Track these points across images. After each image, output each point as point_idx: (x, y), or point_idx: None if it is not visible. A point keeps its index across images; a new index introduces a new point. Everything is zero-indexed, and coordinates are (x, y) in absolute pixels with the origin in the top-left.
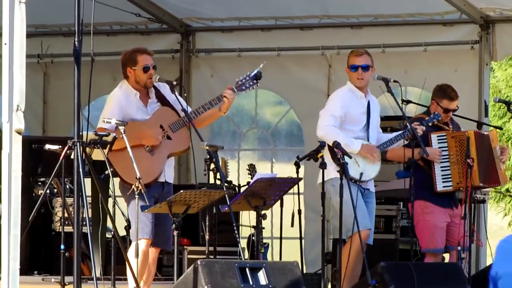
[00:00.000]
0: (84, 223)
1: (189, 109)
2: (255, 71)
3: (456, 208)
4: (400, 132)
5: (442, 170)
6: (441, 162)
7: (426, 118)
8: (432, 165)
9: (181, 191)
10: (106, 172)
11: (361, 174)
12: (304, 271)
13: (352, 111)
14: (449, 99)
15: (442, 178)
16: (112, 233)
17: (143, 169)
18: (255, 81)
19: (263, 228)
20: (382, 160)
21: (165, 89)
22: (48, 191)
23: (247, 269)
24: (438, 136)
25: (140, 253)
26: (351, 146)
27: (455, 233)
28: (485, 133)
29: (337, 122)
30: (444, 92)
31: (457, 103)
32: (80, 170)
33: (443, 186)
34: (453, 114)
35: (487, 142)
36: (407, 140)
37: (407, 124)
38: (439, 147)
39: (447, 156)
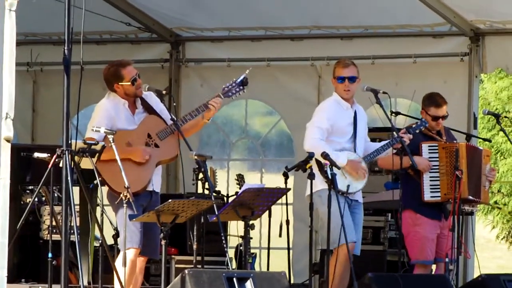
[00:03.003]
0: (72, 231)
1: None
2: (242, 77)
3: (445, 219)
4: (387, 141)
5: (431, 180)
6: (431, 172)
7: (413, 126)
8: (421, 175)
9: (170, 200)
10: (95, 181)
11: (348, 186)
12: (292, 282)
13: (338, 123)
14: (436, 106)
15: (431, 188)
16: (100, 241)
17: (132, 177)
18: (241, 87)
19: (251, 238)
20: (371, 170)
21: (151, 98)
22: (36, 199)
23: (234, 279)
24: (429, 146)
25: (128, 262)
26: (337, 160)
27: (444, 245)
28: (480, 148)
29: (324, 134)
30: (430, 100)
31: (446, 109)
32: (69, 178)
33: (431, 196)
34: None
35: (478, 156)
36: (395, 150)
37: (394, 133)
38: (429, 157)
39: (437, 167)
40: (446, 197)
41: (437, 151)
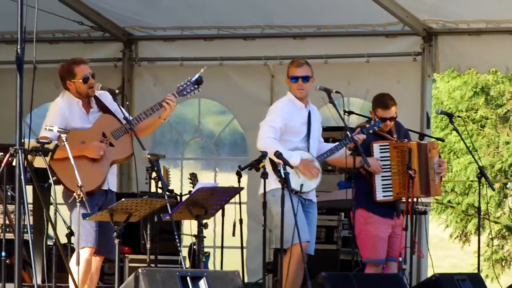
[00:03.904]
0: (25, 230)
1: (130, 118)
2: (196, 76)
3: (398, 218)
4: (340, 141)
5: (382, 180)
6: (383, 171)
7: (367, 126)
8: (373, 175)
9: (123, 199)
10: (50, 180)
11: (301, 185)
12: (246, 281)
13: (292, 122)
14: (383, 108)
15: (383, 188)
16: (54, 240)
17: (86, 176)
18: (196, 86)
19: (205, 237)
20: (324, 170)
21: (106, 97)
22: None
23: (188, 278)
24: (380, 146)
25: (83, 261)
26: (289, 159)
27: (396, 244)
28: (424, 142)
29: (277, 133)
30: (378, 101)
31: (394, 111)
32: (22, 177)
33: (383, 196)
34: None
35: (424, 151)
36: (350, 150)
37: (347, 133)
38: (380, 157)
39: (389, 166)
40: (398, 196)
41: (388, 150)
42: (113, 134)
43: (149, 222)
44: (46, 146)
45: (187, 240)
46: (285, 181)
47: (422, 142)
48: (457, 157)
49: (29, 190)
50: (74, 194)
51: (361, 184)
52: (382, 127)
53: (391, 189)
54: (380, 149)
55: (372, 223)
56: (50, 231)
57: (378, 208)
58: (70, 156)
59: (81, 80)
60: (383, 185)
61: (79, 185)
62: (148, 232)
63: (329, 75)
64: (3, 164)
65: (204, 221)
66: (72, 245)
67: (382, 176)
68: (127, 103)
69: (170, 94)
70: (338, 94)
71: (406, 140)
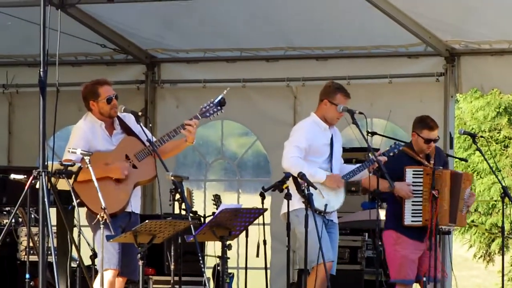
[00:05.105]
0: (49, 252)
1: (154, 140)
2: (219, 97)
3: (429, 240)
4: (363, 162)
5: (413, 205)
6: (414, 196)
7: (387, 149)
8: (403, 199)
9: (147, 221)
10: (73, 203)
11: (326, 205)
12: None
13: (316, 143)
14: (429, 129)
15: (412, 213)
16: (77, 262)
17: (110, 198)
18: (219, 107)
19: (229, 258)
20: (346, 190)
21: (129, 119)
22: (13, 221)
23: None
24: (414, 171)
25: (106, 283)
26: (316, 175)
27: (427, 263)
28: (460, 172)
29: (302, 153)
30: (423, 122)
31: (437, 132)
32: (45, 199)
33: (412, 221)
34: None
35: (459, 181)
36: (370, 172)
37: (369, 154)
38: (413, 182)
39: (421, 192)
40: (427, 223)
41: (421, 176)
42: (136, 156)
43: (173, 243)
44: (69, 168)
45: (211, 261)
46: (308, 201)
47: (458, 171)
48: (481, 177)
49: (52, 212)
50: (98, 216)
51: (392, 207)
52: (425, 149)
53: (420, 214)
54: (413, 174)
55: (401, 244)
56: (74, 253)
57: (408, 230)
58: (94, 178)
59: (104, 101)
60: (412, 210)
61: (102, 207)
62: (172, 253)
63: (352, 96)
64: (26, 187)
65: (228, 242)
66: (95, 267)
67: (413, 201)
68: (150, 125)
69: (192, 117)
70: (361, 115)
71: (441, 168)
